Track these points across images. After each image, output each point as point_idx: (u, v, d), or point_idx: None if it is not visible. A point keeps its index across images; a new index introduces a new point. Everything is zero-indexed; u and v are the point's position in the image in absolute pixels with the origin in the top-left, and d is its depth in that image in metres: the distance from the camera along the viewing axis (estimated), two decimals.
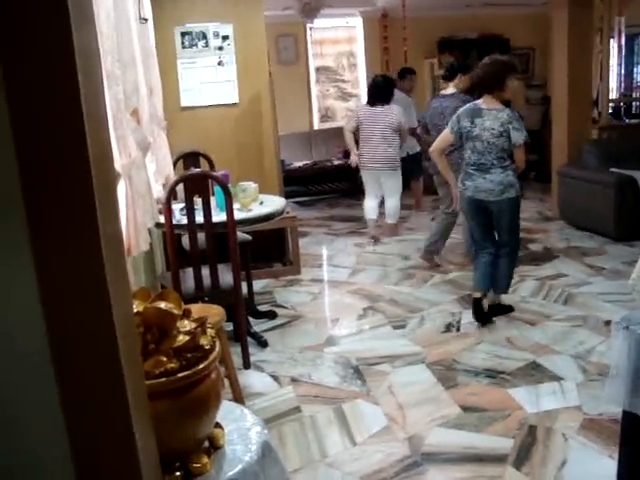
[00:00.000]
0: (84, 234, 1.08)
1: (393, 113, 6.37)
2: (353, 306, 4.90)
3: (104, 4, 2.43)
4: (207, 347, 1.55)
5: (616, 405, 2.37)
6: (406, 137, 6.66)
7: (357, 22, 9.94)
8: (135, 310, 1.49)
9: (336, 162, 9.50)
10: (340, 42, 10.15)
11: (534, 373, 3.61)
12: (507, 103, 4.36)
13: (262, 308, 4.79)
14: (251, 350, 3.95)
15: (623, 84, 8.63)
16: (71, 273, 1.09)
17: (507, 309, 4.56)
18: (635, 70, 9.95)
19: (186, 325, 1.55)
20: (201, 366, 1.51)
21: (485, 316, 4.40)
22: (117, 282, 1.16)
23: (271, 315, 4.70)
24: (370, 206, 6.79)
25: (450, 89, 5.67)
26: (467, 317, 4.47)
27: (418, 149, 7.67)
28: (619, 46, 7.98)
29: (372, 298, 5.05)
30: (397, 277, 5.55)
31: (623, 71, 8.38)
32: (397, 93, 6.94)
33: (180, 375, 1.47)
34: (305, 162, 9.46)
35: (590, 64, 7.23)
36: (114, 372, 1.13)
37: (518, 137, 4.11)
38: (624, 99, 8.97)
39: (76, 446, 1.13)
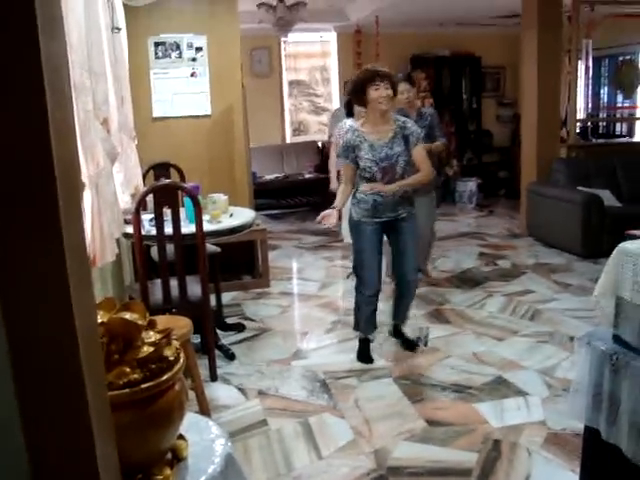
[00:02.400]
0: (48, 243, 1.07)
1: None
2: (322, 319, 4.90)
3: (75, 15, 2.43)
4: (171, 358, 1.54)
5: (577, 420, 2.41)
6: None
7: (331, 37, 10.03)
8: (100, 320, 1.48)
9: (307, 176, 9.56)
10: (314, 56, 10.22)
11: (500, 388, 3.64)
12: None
13: (230, 320, 4.77)
14: (218, 363, 3.93)
15: (590, 104, 8.79)
16: (34, 283, 1.09)
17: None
18: (602, 91, 10.18)
19: (151, 336, 1.54)
20: (165, 377, 1.50)
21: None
22: (81, 292, 1.15)
23: (239, 328, 4.69)
24: None
25: None
26: (435, 332, 4.49)
27: None
28: (586, 67, 8.13)
29: (341, 312, 5.06)
30: None
31: (590, 92, 8.53)
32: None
33: (143, 386, 1.46)
34: (276, 175, 9.48)
35: (559, 84, 7.38)
36: (76, 382, 1.12)
37: None
38: (591, 119, 9.14)
39: (35, 457, 1.12)
